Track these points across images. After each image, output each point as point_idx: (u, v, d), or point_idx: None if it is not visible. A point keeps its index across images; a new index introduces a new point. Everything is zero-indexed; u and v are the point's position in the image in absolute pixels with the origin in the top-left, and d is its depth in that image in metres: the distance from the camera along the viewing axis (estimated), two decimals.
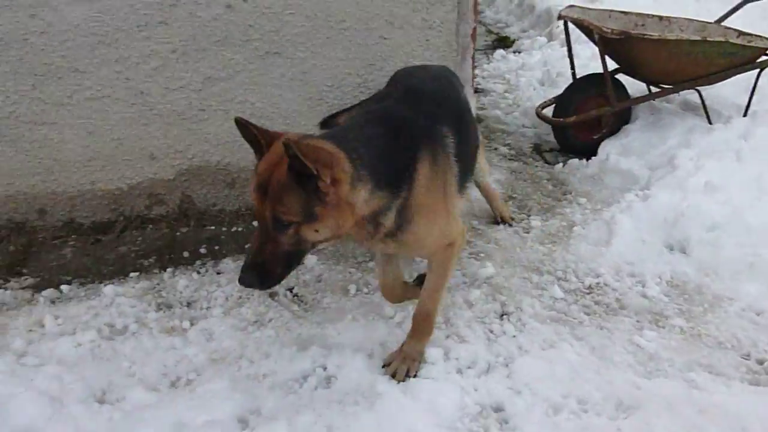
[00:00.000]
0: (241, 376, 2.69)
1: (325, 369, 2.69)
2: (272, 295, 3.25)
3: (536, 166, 4.68)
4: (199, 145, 3.98)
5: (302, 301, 3.22)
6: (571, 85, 4.96)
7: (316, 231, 2.18)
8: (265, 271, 2.20)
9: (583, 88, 4.84)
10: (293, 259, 2.24)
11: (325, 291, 3.22)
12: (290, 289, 3.30)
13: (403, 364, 2.62)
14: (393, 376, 2.60)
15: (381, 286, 2.86)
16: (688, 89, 4.65)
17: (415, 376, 2.61)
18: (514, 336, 2.87)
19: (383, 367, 2.66)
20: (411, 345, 2.67)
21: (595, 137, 4.71)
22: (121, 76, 3.79)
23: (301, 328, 2.99)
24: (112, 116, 3.89)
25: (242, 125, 2.21)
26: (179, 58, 3.78)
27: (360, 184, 2.20)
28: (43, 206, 4.03)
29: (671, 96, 4.98)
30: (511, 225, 3.81)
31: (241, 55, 3.83)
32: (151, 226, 4.01)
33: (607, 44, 4.44)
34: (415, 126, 2.44)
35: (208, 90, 3.87)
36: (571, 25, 4.84)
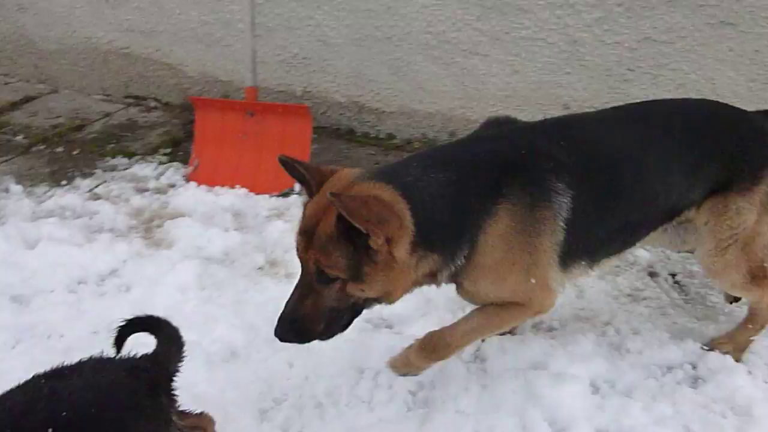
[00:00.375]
0: (604, 342, 2.82)
1: (694, 368, 2.67)
2: (652, 275, 3.28)
3: None
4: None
5: (684, 291, 3.18)
6: None
7: (362, 291, 2.00)
8: (304, 326, 2.06)
9: None
10: (337, 316, 2.06)
11: (713, 289, 3.13)
12: (673, 275, 3.28)
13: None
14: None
15: None
16: None
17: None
18: None
19: None
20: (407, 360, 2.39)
21: None
22: (560, 21, 4.02)
23: (678, 317, 2.98)
24: (539, 59, 4.18)
25: (287, 164, 2.09)
26: (623, 13, 3.85)
27: (420, 246, 1.98)
28: (455, 130, 4.57)
29: None
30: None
31: (690, 20, 3.73)
32: None
33: None
34: (505, 168, 2.11)
35: (642, 50, 3.89)
36: None
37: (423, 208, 1.99)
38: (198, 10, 4.90)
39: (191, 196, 3.89)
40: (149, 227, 3.68)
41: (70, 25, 5.39)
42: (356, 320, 2.18)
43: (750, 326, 2.64)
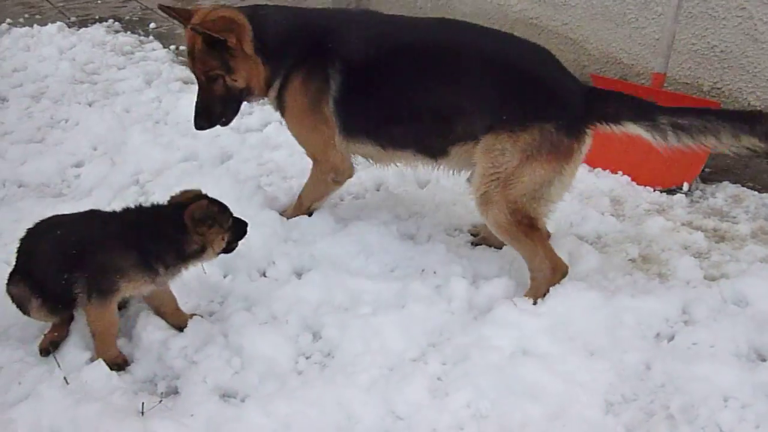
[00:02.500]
0: None
1: None
2: None
3: None
4: None
5: None
6: None
7: (235, 81, 2.98)
8: (209, 113, 3.05)
9: None
10: (228, 102, 3.05)
11: None
12: None
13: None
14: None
15: None
16: None
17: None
18: None
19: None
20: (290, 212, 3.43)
21: None
22: None
23: None
24: None
25: (166, 9, 3.02)
26: None
27: (259, 50, 2.93)
28: None
29: None
30: None
31: None
32: None
33: None
34: (315, 41, 2.95)
35: None
36: None
37: (259, 29, 2.93)
38: None
39: None
40: None
41: None
42: None
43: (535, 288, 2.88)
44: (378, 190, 3.70)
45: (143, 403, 2.36)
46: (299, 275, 3.09)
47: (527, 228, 2.76)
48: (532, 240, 2.79)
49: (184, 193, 2.63)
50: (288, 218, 3.37)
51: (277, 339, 2.65)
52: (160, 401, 2.41)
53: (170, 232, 2.52)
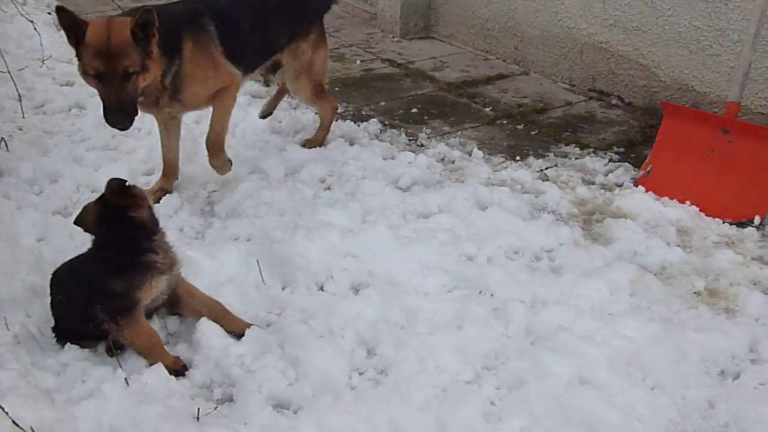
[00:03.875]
0: None
1: None
2: None
3: None
4: None
5: None
6: None
7: (145, 80, 3.17)
8: (124, 111, 3.14)
9: None
10: (136, 104, 3.19)
11: None
12: None
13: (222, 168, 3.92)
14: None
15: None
16: None
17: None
18: None
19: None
20: (216, 161, 3.87)
21: None
22: None
23: None
24: None
25: (63, 12, 3.01)
26: None
27: (160, 46, 3.20)
28: None
29: None
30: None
31: None
32: None
33: None
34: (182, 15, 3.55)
35: None
36: None
37: (161, 27, 3.14)
38: (691, 14, 4.75)
39: (638, 200, 3.84)
40: (589, 219, 3.76)
41: (556, 14, 5.72)
42: None
43: (323, 129, 4.52)
44: (440, 211, 3.69)
45: (199, 409, 2.40)
46: (357, 291, 3.12)
47: (321, 92, 4.32)
48: (325, 99, 4.38)
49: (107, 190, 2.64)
50: (216, 157, 3.85)
51: (332, 353, 2.67)
52: (216, 408, 2.45)
53: (122, 228, 2.60)
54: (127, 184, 2.60)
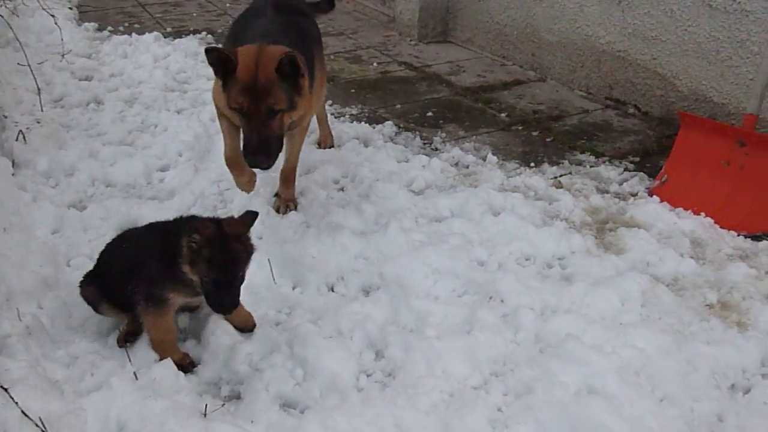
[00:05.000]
0: None
1: None
2: None
3: None
4: None
5: None
6: None
7: (291, 117, 3.04)
8: (269, 151, 2.98)
9: None
10: (281, 141, 3.05)
11: None
12: None
13: (289, 205, 3.69)
14: (277, 211, 3.66)
15: (228, 158, 3.43)
16: None
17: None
18: None
19: (278, 214, 3.66)
20: (286, 192, 3.72)
21: None
22: None
23: None
24: None
25: (212, 51, 2.89)
26: None
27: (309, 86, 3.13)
28: None
29: None
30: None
31: None
32: None
33: None
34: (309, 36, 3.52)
35: None
36: None
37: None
38: (711, 25, 4.71)
39: (652, 210, 3.81)
40: (602, 228, 3.74)
41: (575, 21, 5.70)
42: None
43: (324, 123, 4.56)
44: (453, 215, 3.69)
45: (207, 405, 2.41)
46: (367, 293, 3.12)
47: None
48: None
49: (237, 221, 2.55)
50: (290, 188, 3.74)
51: (340, 354, 2.68)
52: (223, 405, 2.46)
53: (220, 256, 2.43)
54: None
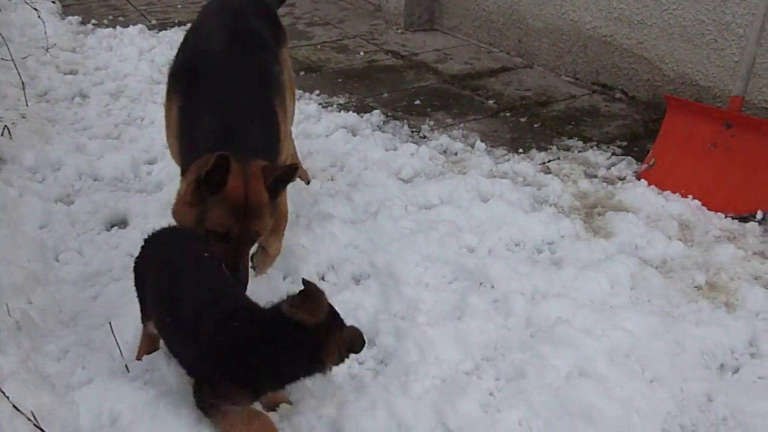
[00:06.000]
0: None
1: None
2: None
3: None
4: None
5: None
6: None
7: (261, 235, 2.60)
8: (247, 271, 2.53)
9: None
10: None
11: None
12: None
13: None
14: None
15: None
16: None
17: None
18: None
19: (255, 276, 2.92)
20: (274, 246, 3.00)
21: None
22: None
23: None
24: None
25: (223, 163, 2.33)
26: None
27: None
28: None
29: None
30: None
31: None
32: None
33: None
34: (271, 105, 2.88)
35: None
36: None
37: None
38: (696, 8, 4.72)
39: (639, 194, 3.83)
40: (590, 213, 3.75)
41: (561, 7, 5.69)
42: None
43: None
44: (442, 202, 3.69)
45: None
46: (357, 282, 3.12)
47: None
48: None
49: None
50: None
51: None
52: None
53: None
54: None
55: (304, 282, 2.10)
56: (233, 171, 2.40)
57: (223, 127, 2.62)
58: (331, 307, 2.10)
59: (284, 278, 3.15)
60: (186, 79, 2.83)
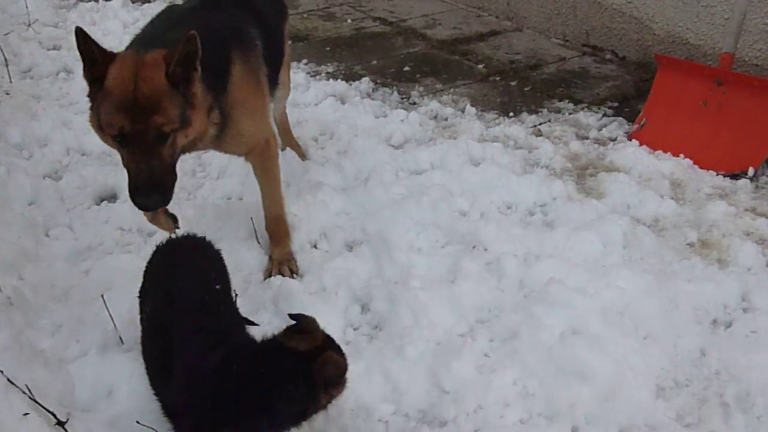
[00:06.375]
0: None
1: None
2: None
3: None
4: None
5: None
6: None
7: (186, 137, 2.27)
8: (160, 187, 2.24)
9: None
10: (174, 170, 2.28)
11: None
12: None
13: (283, 268, 2.91)
14: (269, 275, 2.89)
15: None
16: None
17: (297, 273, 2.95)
18: None
19: (264, 281, 2.87)
20: (277, 251, 2.98)
21: None
22: None
23: None
24: None
25: (82, 36, 2.16)
26: None
27: (201, 84, 2.26)
28: None
29: None
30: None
31: None
32: None
33: None
34: (224, 29, 2.56)
35: None
36: None
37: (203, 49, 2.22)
38: None
39: (631, 154, 3.82)
40: (582, 174, 3.74)
41: None
42: None
43: None
44: (433, 168, 3.67)
45: None
46: (350, 248, 3.11)
47: None
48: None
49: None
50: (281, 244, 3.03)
51: (325, 309, 2.67)
52: None
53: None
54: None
55: (294, 316, 1.98)
56: (117, 62, 2.18)
57: (145, 35, 2.51)
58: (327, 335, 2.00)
59: None
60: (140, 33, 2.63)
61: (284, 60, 3.36)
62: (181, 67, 2.18)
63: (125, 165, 2.28)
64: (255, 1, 3.03)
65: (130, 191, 2.26)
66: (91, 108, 2.29)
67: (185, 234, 2.49)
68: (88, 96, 2.29)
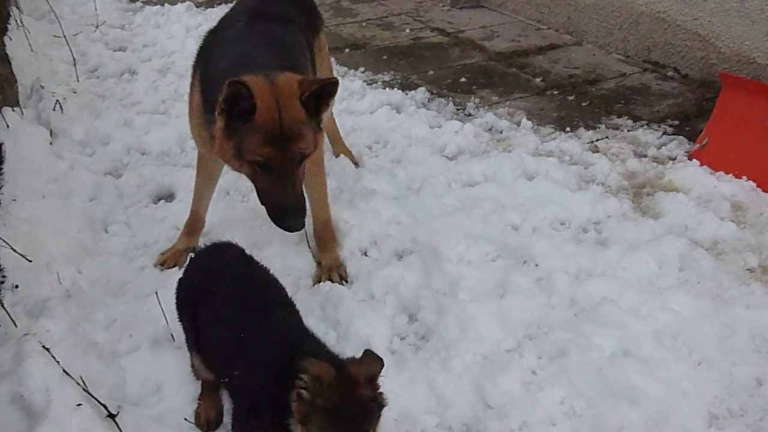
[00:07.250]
0: None
1: None
2: None
3: None
4: None
5: None
6: None
7: (310, 157, 2.41)
8: (304, 208, 2.42)
9: None
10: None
11: None
12: None
13: (332, 274, 2.93)
14: (318, 281, 2.91)
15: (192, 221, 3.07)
16: None
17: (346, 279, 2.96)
18: None
19: (313, 286, 2.89)
20: (327, 257, 3.00)
21: None
22: None
23: None
24: None
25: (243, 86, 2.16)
26: None
27: None
28: None
29: None
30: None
31: None
32: None
33: None
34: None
35: None
36: None
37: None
38: None
39: (691, 173, 3.73)
40: (639, 192, 3.67)
41: None
42: None
43: None
44: (486, 180, 3.65)
45: None
46: (400, 257, 3.12)
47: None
48: None
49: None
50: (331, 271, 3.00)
51: (373, 317, 2.68)
52: None
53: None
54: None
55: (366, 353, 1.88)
56: (260, 92, 2.22)
57: (236, 54, 2.54)
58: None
59: None
60: (202, 56, 2.74)
61: (326, 66, 3.48)
62: (315, 99, 2.31)
63: (262, 188, 2.38)
64: (291, 13, 3.06)
65: (275, 215, 2.38)
66: (228, 137, 2.30)
67: (220, 241, 2.41)
68: (225, 129, 2.30)
